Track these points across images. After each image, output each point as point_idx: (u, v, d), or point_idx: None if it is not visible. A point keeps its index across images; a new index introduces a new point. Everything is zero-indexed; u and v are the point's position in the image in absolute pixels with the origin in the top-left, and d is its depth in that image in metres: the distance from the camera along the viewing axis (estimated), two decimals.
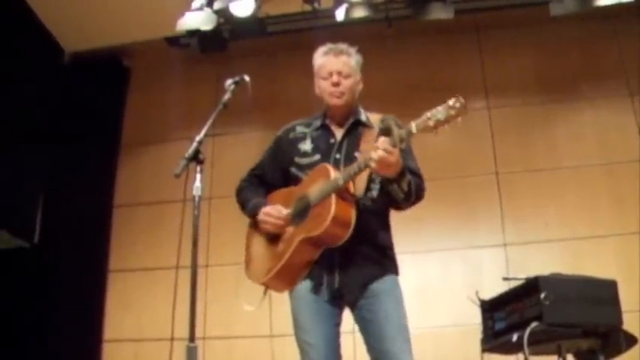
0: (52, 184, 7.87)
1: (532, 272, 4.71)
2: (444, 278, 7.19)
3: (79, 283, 7.46)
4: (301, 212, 3.63)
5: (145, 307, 7.59)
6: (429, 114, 3.24)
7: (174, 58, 8.37)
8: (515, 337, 4.46)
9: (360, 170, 3.43)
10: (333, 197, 3.45)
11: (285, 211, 3.70)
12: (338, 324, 3.68)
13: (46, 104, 7.91)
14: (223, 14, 7.23)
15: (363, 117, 3.82)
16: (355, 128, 3.79)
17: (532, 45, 7.95)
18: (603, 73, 7.71)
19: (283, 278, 3.69)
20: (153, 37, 8.13)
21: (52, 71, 8.21)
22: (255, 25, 7.40)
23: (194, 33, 7.40)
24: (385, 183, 3.53)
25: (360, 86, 3.87)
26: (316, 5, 7.23)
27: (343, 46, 3.90)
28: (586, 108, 7.69)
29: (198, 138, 3.49)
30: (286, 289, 3.76)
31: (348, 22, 7.18)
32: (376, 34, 7.56)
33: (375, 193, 3.64)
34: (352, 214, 3.47)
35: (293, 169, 3.82)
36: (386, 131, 3.47)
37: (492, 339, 4.92)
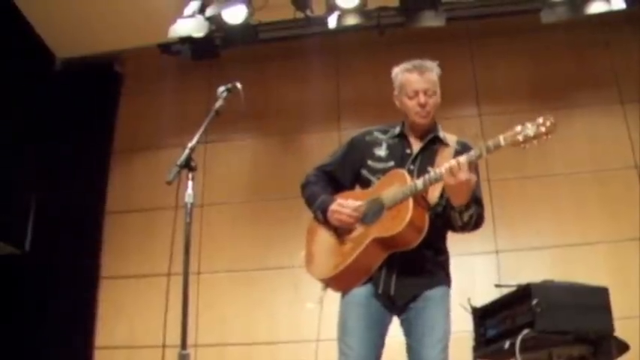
0: (43, 191, 7.84)
1: (524, 279, 4.72)
2: None
3: (70, 290, 7.43)
4: (374, 213, 3.64)
5: (137, 314, 7.56)
6: (518, 129, 3.34)
7: (166, 65, 8.36)
8: (506, 345, 4.47)
9: (438, 179, 3.45)
10: (411, 201, 3.48)
11: (358, 203, 3.69)
12: (383, 334, 3.70)
13: (37, 110, 7.89)
14: (215, 21, 7.23)
15: (441, 134, 3.85)
16: (432, 144, 3.82)
17: (524, 52, 7.97)
18: (595, 81, 7.73)
19: (347, 277, 3.68)
20: (145, 44, 8.12)
21: (43, 78, 8.19)
22: (248, 33, 7.40)
23: (186, 40, 7.41)
24: (449, 207, 3.56)
25: (440, 99, 3.89)
26: (308, 13, 7.24)
27: (427, 62, 3.92)
28: (578, 115, 7.70)
29: (190, 145, 3.49)
30: (345, 289, 3.75)
31: (341, 30, 7.20)
32: (368, 42, 7.58)
33: (440, 209, 3.66)
34: (426, 220, 3.52)
35: (364, 172, 3.85)
36: (463, 145, 3.63)
37: (484, 346, 4.92)
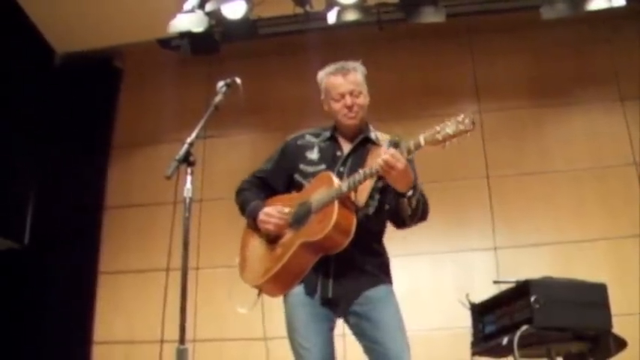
0: (42, 186, 7.85)
1: (522, 275, 4.72)
2: (434, 281, 7.20)
3: (69, 285, 7.44)
4: (302, 217, 3.63)
5: (135, 309, 7.57)
6: (438, 127, 3.27)
7: (165, 60, 8.36)
8: (505, 341, 4.46)
9: (365, 178, 3.46)
10: (336, 204, 3.46)
11: (286, 210, 3.70)
12: (332, 328, 3.69)
13: (37, 105, 7.89)
14: (215, 16, 7.23)
15: (372, 135, 3.84)
16: (363, 145, 3.80)
17: (523, 49, 7.96)
18: (594, 77, 7.74)
19: (279, 282, 3.68)
20: (144, 39, 8.12)
21: (43, 73, 8.19)
22: (247, 28, 7.39)
23: (185, 35, 7.41)
24: (396, 196, 3.53)
25: (368, 99, 3.87)
26: (308, 8, 7.24)
27: (350, 63, 3.86)
28: (577, 112, 7.71)
29: (189, 140, 3.47)
30: (279, 293, 3.76)
31: (340, 25, 7.19)
32: (368, 38, 7.57)
33: (371, 210, 3.65)
34: (353, 223, 3.48)
35: (297, 176, 3.84)
36: (395, 144, 3.52)
37: (482, 342, 4.92)
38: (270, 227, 3.71)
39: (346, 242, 3.46)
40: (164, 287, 7.46)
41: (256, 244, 3.86)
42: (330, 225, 3.42)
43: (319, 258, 3.57)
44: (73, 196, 7.71)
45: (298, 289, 3.67)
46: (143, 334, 7.39)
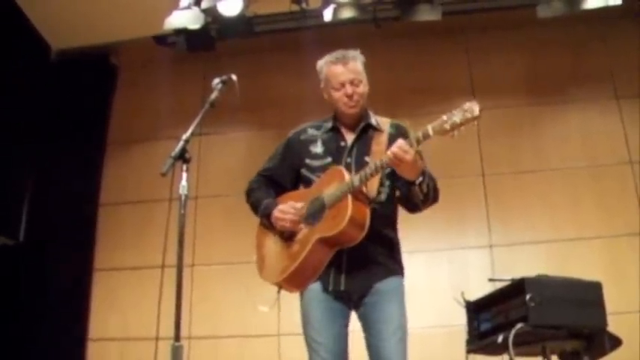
0: (38, 182, 7.84)
1: (518, 273, 4.72)
2: (430, 279, 7.19)
3: (64, 282, 7.43)
4: (316, 213, 3.65)
5: (130, 306, 7.57)
6: (445, 117, 3.29)
7: (161, 57, 8.35)
8: (500, 339, 4.47)
9: (377, 171, 3.49)
10: (350, 198, 3.49)
11: (299, 205, 3.72)
12: (347, 324, 3.73)
13: (32, 101, 7.88)
14: (211, 13, 7.22)
15: (373, 121, 3.86)
16: (365, 132, 3.83)
17: (519, 47, 7.97)
18: (590, 76, 7.74)
19: (297, 278, 3.70)
20: (140, 36, 8.10)
21: (38, 68, 8.17)
22: (243, 25, 7.39)
23: (181, 32, 7.39)
24: (406, 185, 3.57)
25: (368, 87, 3.87)
26: (304, 5, 7.23)
27: (350, 52, 3.89)
28: (573, 110, 7.71)
29: (184, 137, 3.47)
30: (299, 289, 3.79)
31: (336, 23, 7.19)
32: (364, 35, 7.55)
33: (383, 196, 3.71)
34: (367, 216, 3.52)
35: (304, 171, 3.87)
36: (403, 135, 3.54)
37: (478, 340, 4.92)
38: (286, 224, 3.72)
39: (361, 236, 3.49)
40: (159, 284, 7.46)
41: (272, 243, 3.87)
42: (345, 220, 3.45)
43: (335, 252, 3.60)
44: (68, 192, 7.70)
45: (315, 285, 3.70)
46: (138, 331, 7.39)
